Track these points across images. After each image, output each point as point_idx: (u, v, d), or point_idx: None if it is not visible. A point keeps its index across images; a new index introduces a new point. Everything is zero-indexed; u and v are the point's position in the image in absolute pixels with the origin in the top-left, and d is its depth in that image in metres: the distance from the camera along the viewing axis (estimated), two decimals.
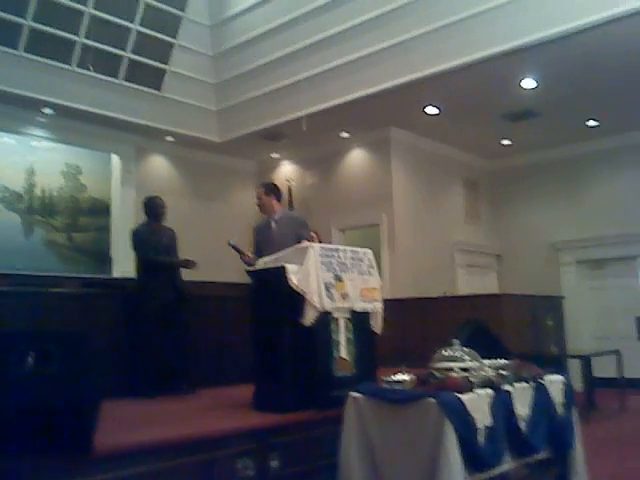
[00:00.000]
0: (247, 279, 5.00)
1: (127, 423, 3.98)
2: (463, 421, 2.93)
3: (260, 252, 5.09)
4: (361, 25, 7.53)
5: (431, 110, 8.41)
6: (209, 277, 7.99)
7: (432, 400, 2.96)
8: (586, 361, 7.20)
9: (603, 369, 7.65)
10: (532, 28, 6.43)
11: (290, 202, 9.77)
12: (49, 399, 2.87)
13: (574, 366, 7.24)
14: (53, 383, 2.92)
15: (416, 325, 8.00)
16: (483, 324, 6.88)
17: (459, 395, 3.02)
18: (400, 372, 3.40)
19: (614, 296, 9.77)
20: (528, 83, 7.52)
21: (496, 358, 3.99)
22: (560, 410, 3.72)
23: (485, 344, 6.65)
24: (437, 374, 3.21)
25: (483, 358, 3.86)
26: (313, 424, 4.22)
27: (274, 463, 3.89)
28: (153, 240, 5.87)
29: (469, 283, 10.20)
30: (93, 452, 3.01)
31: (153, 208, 6.02)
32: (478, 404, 3.10)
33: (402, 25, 7.22)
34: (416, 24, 7.13)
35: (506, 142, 9.91)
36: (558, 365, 7.43)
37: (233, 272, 8.47)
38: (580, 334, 9.27)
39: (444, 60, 7.09)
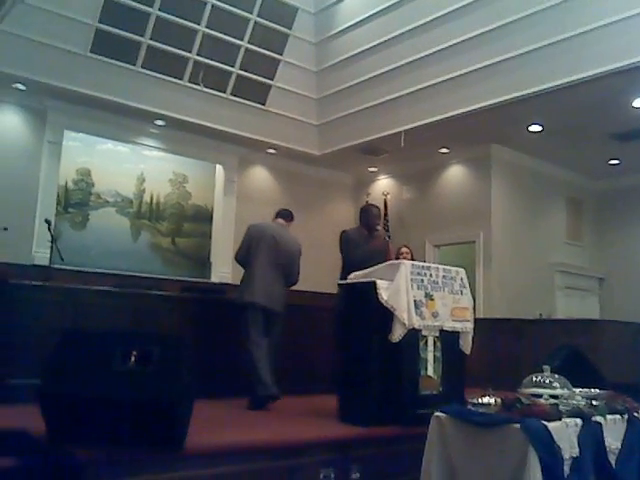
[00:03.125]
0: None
1: (215, 424, 4.12)
2: (548, 450, 2.88)
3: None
4: (466, 42, 7.51)
5: (534, 128, 8.24)
6: (305, 287, 8.19)
7: (516, 426, 2.92)
8: None
9: None
10: None
11: (385, 215, 9.82)
12: (147, 396, 3.06)
13: None
14: (151, 381, 3.11)
15: (508, 347, 7.81)
16: (578, 350, 6.66)
17: (545, 423, 2.97)
18: (487, 395, 3.37)
19: None
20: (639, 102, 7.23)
21: (590, 386, 3.88)
22: None
23: (580, 371, 6.43)
24: (524, 400, 3.16)
25: (576, 386, 3.77)
26: (397, 440, 4.25)
27: (355, 475, 3.94)
28: None
29: (568, 306, 9.85)
30: (184, 449, 3.19)
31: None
32: (565, 433, 3.02)
33: (508, 43, 7.16)
34: (523, 42, 7.05)
35: (614, 162, 9.52)
36: None
37: (328, 283, 8.65)
38: None
39: (551, 78, 6.97)
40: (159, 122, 8.82)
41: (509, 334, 7.94)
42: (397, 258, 5.97)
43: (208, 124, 8.84)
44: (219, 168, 9.89)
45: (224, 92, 8.77)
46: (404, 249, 6.29)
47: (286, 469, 3.65)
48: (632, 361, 7.28)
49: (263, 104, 9.15)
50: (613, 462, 3.24)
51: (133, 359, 3.14)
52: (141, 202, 9.20)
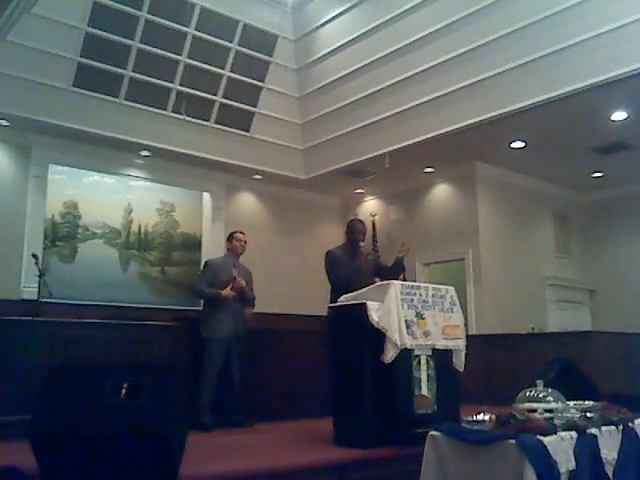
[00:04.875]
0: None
1: (207, 454, 4.06)
2: (544, 464, 2.87)
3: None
4: (445, 63, 7.60)
5: (517, 144, 8.34)
6: (293, 310, 8.20)
7: (512, 442, 2.92)
8: None
9: None
10: (622, 61, 6.32)
11: (374, 237, 9.84)
12: (139, 428, 3.03)
13: None
14: (143, 413, 3.08)
15: (502, 362, 7.83)
16: (571, 362, 6.67)
17: (541, 437, 2.96)
18: (481, 412, 3.37)
19: None
20: (618, 115, 7.34)
21: (585, 398, 3.88)
22: None
23: (573, 383, 6.43)
24: (518, 416, 3.15)
25: (570, 398, 3.78)
26: (393, 460, 4.21)
27: None
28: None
29: (560, 319, 9.88)
30: None
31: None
32: (561, 447, 3.02)
33: (487, 62, 7.25)
34: (502, 60, 7.14)
35: (597, 174, 9.63)
36: None
37: (318, 306, 8.64)
38: None
39: (530, 95, 7.06)
40: (144, 152, 8.84)
41: (502, 349, 7.96)
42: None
43: (193, 153, 8.87)
44: (206, 196, 9.91)
45: (208, 121, 8.82)
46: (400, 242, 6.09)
47: None
48: (625, 372, 7.30)
49: (247, 131, 9.20)
50: (610, 473, 3.24)
51: (124, 391, 3.11)
52: (129, 232, 9.18)
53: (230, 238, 6.08)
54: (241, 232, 6.19)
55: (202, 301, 6.02)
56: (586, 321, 10.35)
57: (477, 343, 7.03)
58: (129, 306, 8.08)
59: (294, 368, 6.36)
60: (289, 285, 9.84)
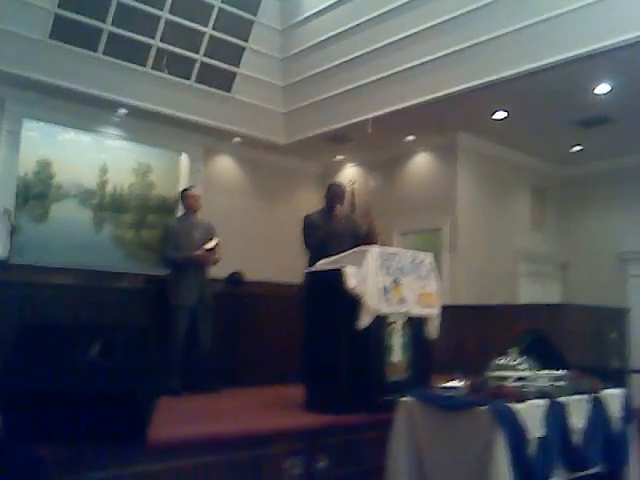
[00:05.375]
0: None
1: (176, 418, 3.99)
2: (515, 431, 2.91)
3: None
4: (430, 29, 7.48)
5: (499, 115, 8.29)
6: (269, 276, 8.15)
7: (484, 408, 2.94)
8: None
9: None
10: (606, 33, 6.26)
11: (353, 204, 9.78)
12: (109, 388, 2.99)
13: (637, 381, 6.99)
14: (114, 373, 3.05)
15: (473, 332, 7.87)
16: (543, 334, 6.76)
17: (512, 404, 2.99)
18: (455, 379, 3.39)
19: None
20: (602, 89, 7.31)
21: (555, 369, 3.92)
22: (617, 425, 3.63)
23: (545, 355, 6.54)
24: (491, 382, 3.18)
25: (541, 369, 3.83)
26: (364, 427, 4.25)
27: (322, 464, 3.93)
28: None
29: (532, 292, 9.98)
30: (147, 443, 3.13)
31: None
32: (531, 414, 3.06)
33: (472, 30, 7.15)
34: (486, 29, 7.04)
35: (577, 148, 9.64)
36: (620, 379, 7.19)
37: (294, 272, 8.62)
38: None
39: (515, 65, 6.98)
40: (122, 110, 8.64)
41: (474, 320, 8.01)
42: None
43: (172, 112, 8.68)
44: (184, 157, 9.74)
45: (188, 79, 8.62)
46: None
47: (251, 460, 3.61)
48: (595, 344, 7.41)
49: (228, 91, 9.03)
50: (577, 441, 3.29)
51: (96, 351, 3.07)
52: (104, 193, 8.98)
53: (183, 196, 5.92)
54: (193, 187, 6.06)
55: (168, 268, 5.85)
56: (557, 294, 10.48)
57: (449, 314, 7.02)
58: (102, 270, 7.97)
59: (269, 335, 6.33)
60: (265, 251, 9.77)
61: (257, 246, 9.69)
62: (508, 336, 7.26)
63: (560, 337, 6.92)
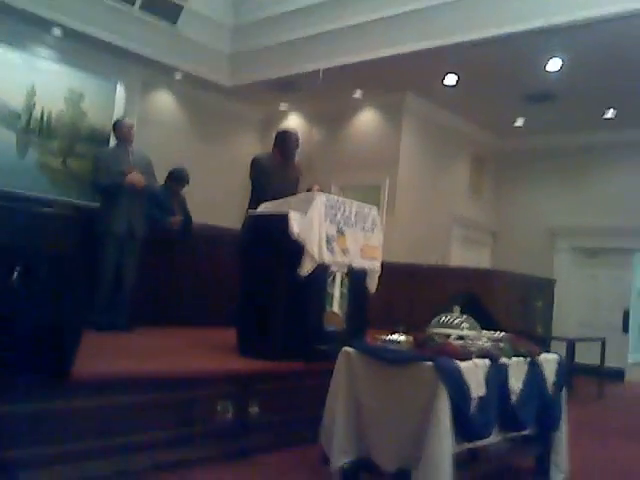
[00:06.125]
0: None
1: (104, 353, 3.80)
2: (458, 389, 2.84)
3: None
4: None
5: (450, 79, 8.13)
6: (208, 220, 7.91)
7: (429, 364, 2.86)
8: (571, 345, 7.16)
9: (584, 356, 7.59)
10: (563, 9, 6.29)
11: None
12: (31, 316, 2.73)
13: (558, 349, 7.20)
14: (36, 300, 2.79)
15: (404, 291, 7.90)
16: (475, 297, 6.83)
17: (457, 362, 2.92)
18: (397, 332, 3.30)
19: (605, 287, 9.80)
20: (553, 65, 7.27)
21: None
22: (551, 389, 3.65)
23: (476, 317, 6.62)
24: (437, 338, 3.10)
25: (482, 329, 3.81)
26: (297, 375, 4.17)
27: (254, 409, 3.83)
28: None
29: (463, 257, 10.13)
30: (71, 377, 2.90)
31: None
32: (474, 373, 3.00)
33: None
34: None
35: (520, 122, 9.66)
36: (543, 346, 7.40)
37: (231, 216, 8.35)
38: (566, 319, 9.24)
39: (471, 30, 6.93)
40: (56, 31, 8.01)
41: (406, 278, 8.01)
42: None
43: (111, 40, 8.15)
44: (120, 89, 9.19)
45: (132, 4, 8.07)
46: (315, 186, 6.00)
47: (181, 401, 3.46)
48: (520, 311, 7.58)
49: (174, 24, 8.53)
50: (514, 402, 3.27)
51: (16, 275, 2.78)
52: (30, 117, 8.40)
53: (116, 127, 5.54)
54: (125, 117, 5.77)
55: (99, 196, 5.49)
56: (486, 261, 10.69)
57: (382, 270, 7.03)
58: (26, 195, 7.48)
59: (205, 277, 6.14)
60: (203, 193, 9.43)
61: (193, 188, 9.32)
62: (439, 298, 7.34)
63: (489, 301, 7.03)
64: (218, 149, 10.22)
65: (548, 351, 5.71)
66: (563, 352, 7.11)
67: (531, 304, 7.54)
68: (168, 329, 5.51)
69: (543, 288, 8.11)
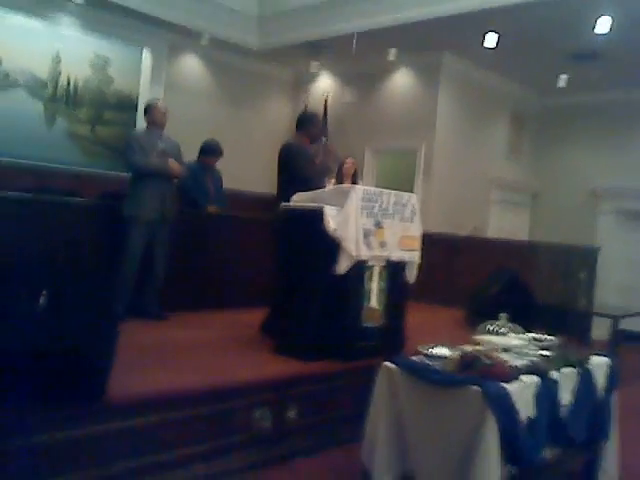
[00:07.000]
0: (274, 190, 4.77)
1: (138, 364, 3.53)
2: (507, 415, 2.68)
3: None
4: None
5: (490, 38, 7.69)
6: (237, 186, 7.78)
7: (477, 389, 2.70)
8: (616, 322, 6.89)
9: (630, 322, 7.25)
10: None
11: (324, 117, 9.25)
12: (60, 343, 2.62)
13: (601, 325, 6.98)
14: (64, 324, 2.66)
15: (443, 262, 7.67)
16: (517, 275, 6.63)
17: (505, 385, 2.76)
18: (440, 345, 3.14)
19: None
20: (602, 23, 6.80)
21: (523, 309, 3.77)
22: (601, 395, 3.48)
23: (516, 295, 6.46)
24: (484, 359, 2.91)
25: (516, 313, 3.71)
26: (335, 375, 4.04)
27: (291, 414, 3.73)
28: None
29: (501, 220, 9.84)
30: (105, 401, 2.81)
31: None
32: (523, 394, 2.84)
33: None
34: None
35: (563, 83, 9.14)
36: (585, 321, 7.17)
37: (263, 182, 8.18)
38: (607, 284, 8.91)
39: None
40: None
41: (444, 250, 7.78)
42: (340, 170, 5.53)
43: (136, 7, 7.86)
44: (146, 53, 8.95)
45: None
46: (349, 160, 5.75)
47: (219, 412, 3.36)
48: (562, 284, 7.32)
49: None
50: (565, 418, 3.12)
51: (42, 300, 2.66)
52: (57, 85, 8.25)
53: (149, 110, 5.27)
54: (159, 100, 5.57)
55: (130, 176, 5.25)
56: (525, 224, 10.39)
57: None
58: (55, 171, 7.39)
59: (237, 257, 5.92)
60: (232, 161, 9.26)
61: (224, 154, 9.15)
62: (478, 270, 7.16)
63: (529, 275, 6.83)
64: (247, 112, 9.96)
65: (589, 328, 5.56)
66: (607, 324, 6.89)
67: (574, 276, 7.27)
68: (201, 314, 5.39)
69: (586, 258, 7.78)
